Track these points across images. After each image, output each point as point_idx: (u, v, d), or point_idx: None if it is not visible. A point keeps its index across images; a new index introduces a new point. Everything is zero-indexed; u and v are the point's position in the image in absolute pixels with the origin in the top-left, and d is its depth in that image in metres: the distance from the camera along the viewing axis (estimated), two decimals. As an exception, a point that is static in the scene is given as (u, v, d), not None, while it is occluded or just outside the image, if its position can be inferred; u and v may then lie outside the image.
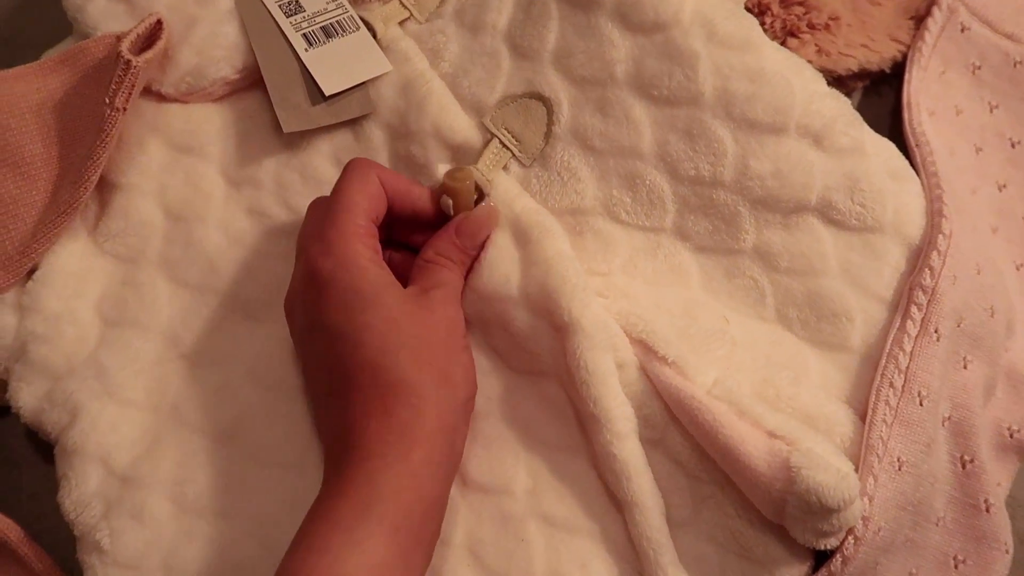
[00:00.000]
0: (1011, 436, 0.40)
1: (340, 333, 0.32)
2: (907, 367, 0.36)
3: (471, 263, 0.38)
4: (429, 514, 0.31)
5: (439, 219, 0.38)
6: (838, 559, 0.34)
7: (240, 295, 0.40)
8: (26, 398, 0.38)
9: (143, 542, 0.36)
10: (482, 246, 0.38)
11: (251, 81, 0.42)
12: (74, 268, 0.40)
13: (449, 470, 0.33)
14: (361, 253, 0.34)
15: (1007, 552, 0.37)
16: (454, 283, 0.36)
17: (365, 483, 0.30)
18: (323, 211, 0.35)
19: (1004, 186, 0.45)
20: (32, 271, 0.40)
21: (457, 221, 0.37)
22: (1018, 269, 0.44)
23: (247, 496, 0.37)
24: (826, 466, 0.32)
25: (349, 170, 0.36)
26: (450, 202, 0.37)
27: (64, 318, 0.39)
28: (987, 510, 0.37)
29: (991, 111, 0.45)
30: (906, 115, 0.43)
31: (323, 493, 0.31)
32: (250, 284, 0.40)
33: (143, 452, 0.37)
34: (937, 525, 0.37)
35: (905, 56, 0.45)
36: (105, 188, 0.41)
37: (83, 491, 0.36)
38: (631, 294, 0.38)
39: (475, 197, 0.38)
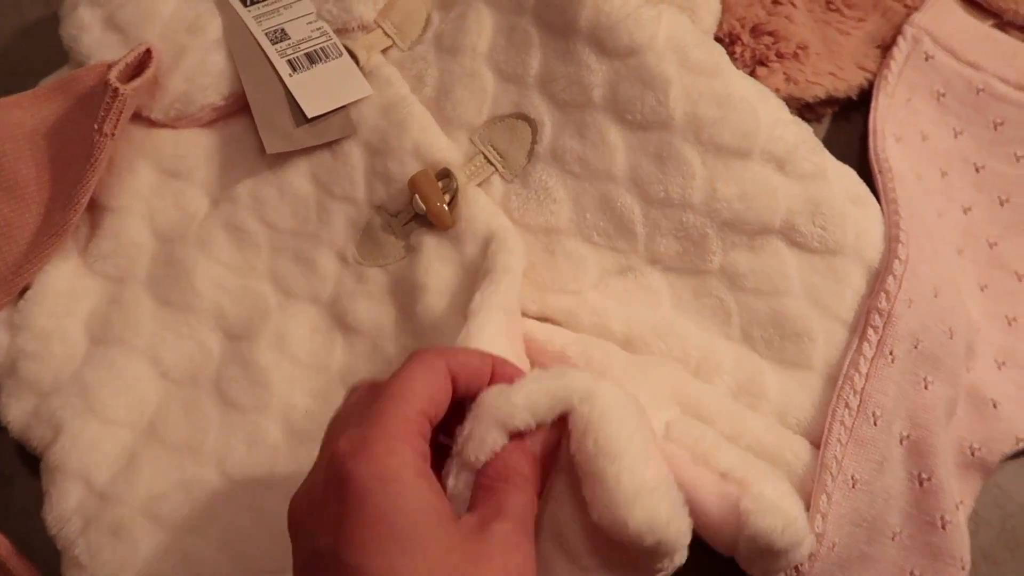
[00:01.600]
0: (972, 454, 0.41)
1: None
2: (862, 388, 0.37)
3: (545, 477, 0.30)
4: None
5: None
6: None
7: (217, 313, 0.41)
8: (14, 413, 0.39)
9: (120, 558, 0.37)
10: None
11: (237, 107, 0.43)
12: (64, 288, 0.41)
13: None
14: (407, 462, 0.26)
15: (963, 568, 0.38)
16: (524, 511, 0.27)
17: None
18: (368, 398, 0.28)
19: (969, 209, 0.46)
20: (24, 290, 0.41)
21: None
22: (982, 290, 0.45)
23: (218, 512, 0.38)
24: (774, 511, 0.32)
25: (414, 359, 0.29)
26: (417, 197, 0.39)
27: (54, 336, 0.40)
28: (943, 527, 0.38)
29: (955, 137, 0.46)
30: (871, 141, 0.45)
31: None
32: (228, 302, 0.41)
33: (120, 469, 0.38)
34: (893, 540, 0.38)
35: (872, 84, 0.47)
36: (96, 210, 0.43)
37: (63, 507, 0.37)
38: (602, 311, 0.39)
39: (448, 198, 0.40)
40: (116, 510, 0.37)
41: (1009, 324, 0.44)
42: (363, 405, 0.28)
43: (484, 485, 0.28)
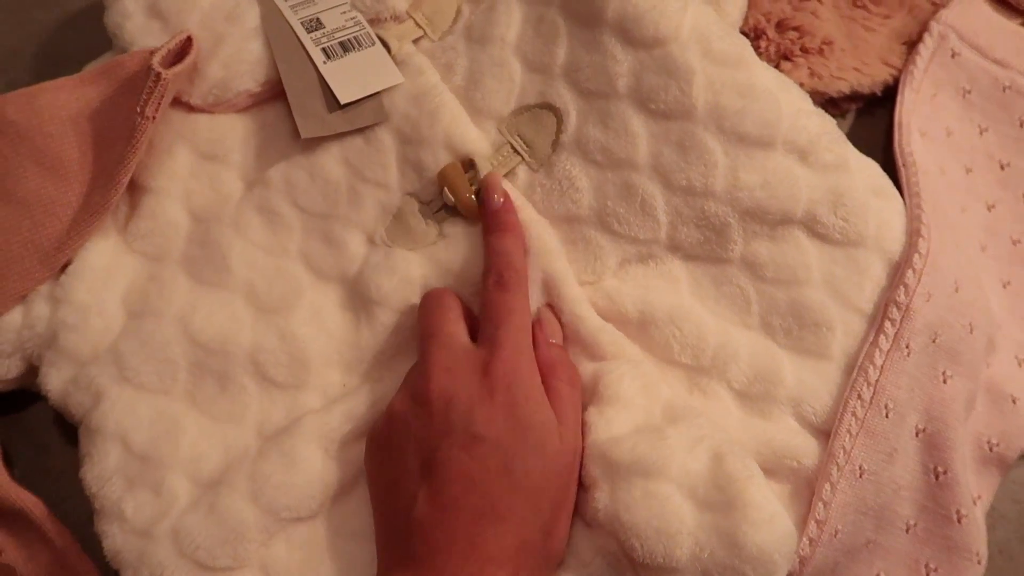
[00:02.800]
0: (991, 449, 0.41)
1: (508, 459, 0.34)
2: (876, 380, 0.38)
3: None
4: None
5: None
6: (795, 559, 0.35)
7: (249, 291, 0.42)
8: (54, 382, 0.41)
9: (158, 512, 0.38)
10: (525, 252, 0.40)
11: (272, 94, 0.45)
12: (104, 264, 0.43)
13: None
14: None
15: (979, 563, 0.38)
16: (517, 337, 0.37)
17: None
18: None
19: (993, 206, 0.46)
20: (65, 265, 0.43)
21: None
22: (1005, 287, 0.45)
23: (248, 462, 0.39)
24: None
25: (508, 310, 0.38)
26: (446, 190, 0.40)
27: (92, 309, 0.42)
28: (959, 521, 0.38)
29: (981, 134, 0.46)
30: (896, 135, 0.45)
31: None
32: (260, 280, 0.42)
33: (162, 432, 0.40)
34: (908, 532, 0.38)
35: (897, 80, 0.47)
36: (136, 191, 0.44)
37: (104, 467, 0.39)
38: (616, 296, 0.40)
39: (475, 190, 0.41)
40: (158, 471, 0.39)
41: (1031, 321, 0.44)
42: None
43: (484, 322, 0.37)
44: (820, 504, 0.36)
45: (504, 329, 0.36)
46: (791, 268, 0.40)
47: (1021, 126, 0.46)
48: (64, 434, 0.44)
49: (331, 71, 0.43)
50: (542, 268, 0.40)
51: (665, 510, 0.33)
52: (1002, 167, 0.46)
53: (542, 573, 0.35)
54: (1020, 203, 0.46)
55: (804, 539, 0.36)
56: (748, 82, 0.39)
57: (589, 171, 0.41)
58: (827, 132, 0.40)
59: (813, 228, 0.40)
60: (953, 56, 0.46)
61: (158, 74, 0.40)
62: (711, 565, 0.33)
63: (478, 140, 0.42)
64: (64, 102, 0.42)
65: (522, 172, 0.42)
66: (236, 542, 0.37)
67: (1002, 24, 0.47)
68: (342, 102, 0.42)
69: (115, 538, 0.38)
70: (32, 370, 0.43)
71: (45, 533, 0.41)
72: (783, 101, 0.39)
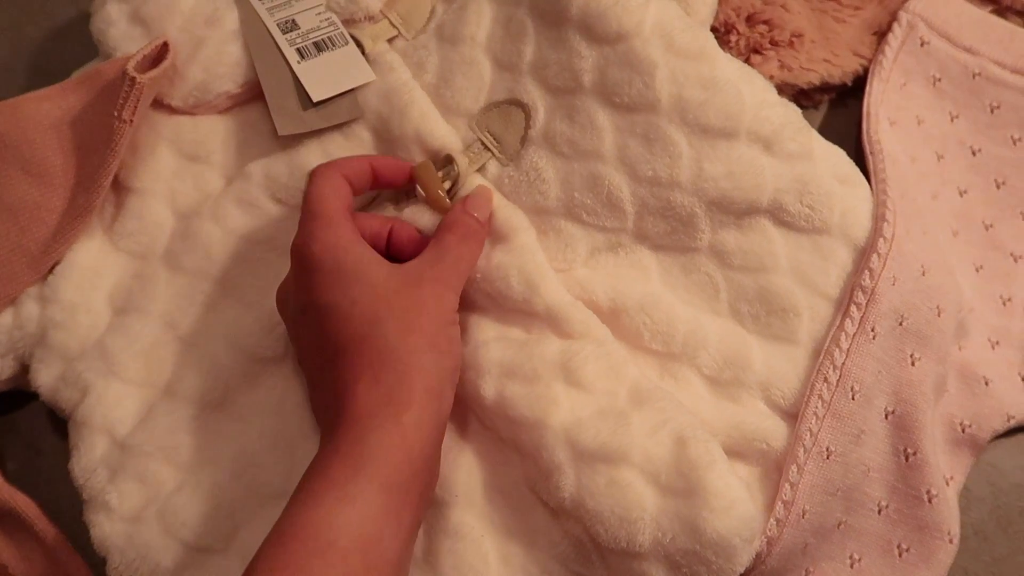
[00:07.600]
0: (963, 431, 0.42)
1: (331, 309, 0.35)
2: (843, 364, 0.38)
3: (484, 235, 0.40)
4: (418, 473, 0.33)
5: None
6: (763, 540, 0.36)
7: (230, 280, 0.43)
8: (44, 378, 0.42)
9: (145, 499, 0.39)
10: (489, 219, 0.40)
11: (252, 95, 0.46)
12: (90, 263, 0.44)
13: (437, 432, 0.34)
14: (343, 233, 0.36)
15: (951, 542, 0.39)
16: (457, 257, 0.37)
17: (357, 443, 0.31)
18: (303, 215, 0.38)
19: (965, 192, 0.46)
20: (54, 266, 0.44)
21: (467, 195, 0.41)
22: (977, 271, 0.45)
23: (232, 444, 0.40)
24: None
25: (316, 177, 0.39)
26: (418, 187, 0.41)
27: (80, 307, 0.43)
28: (929, 501, 0.39)
29: (952, 120, 0.47)
30: (864, 124, 0.45)
31: (318, 454, 0.33)
32: (239, 269, 0.43)
33: (139, 423, 0.41)
34: (879, 514, 0.39)
35: (867, 70, 0.47)
36: (121, 192, 0.45)
37: (90, 459, 0.40)
38: (588, 285, 0.41)
39: (448, 185, 0.42)
40: (140, 459, 0.40)
41: (1003, 304, 0.45)
42: (302, 220, 0.38)
43: (436, 236, 0.38)
44: (787, 485, 0.37)
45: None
46: (758, 256, 0.40)
47: (992, 112, 0.47)
48: (56, 435, 0.45)
49: (305, 70, 0.44)
50: (514, 247, 0.40)
51: (627, 498, 0.34)
52: (973, 153, 0.47)
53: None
54: (992, 188, 0.46)
55: (772, 520, 0.36)
56: (711, 74, 0.40)
57: (556, 163, 0.42)
58: (791, 122, 0.40)
59: (779, 216, 0.40)
60: (922, 45, 0.47)
61: (133, 79, 0.41)
62: (673, 550, 0.34)
63: (448, 136, 0.43)
64: (47, 111, 0.44)
65: (492, 166, 0.43)
66: (222, 519, 0.38)
67: (971, 12, 0.48)
68: (314, 100, 0.43)
69: (102, 527, 0.39)
70: (25, 370, 0.44)
71: (37, 533, 0.42)
72: (746, 92, 0.40)
